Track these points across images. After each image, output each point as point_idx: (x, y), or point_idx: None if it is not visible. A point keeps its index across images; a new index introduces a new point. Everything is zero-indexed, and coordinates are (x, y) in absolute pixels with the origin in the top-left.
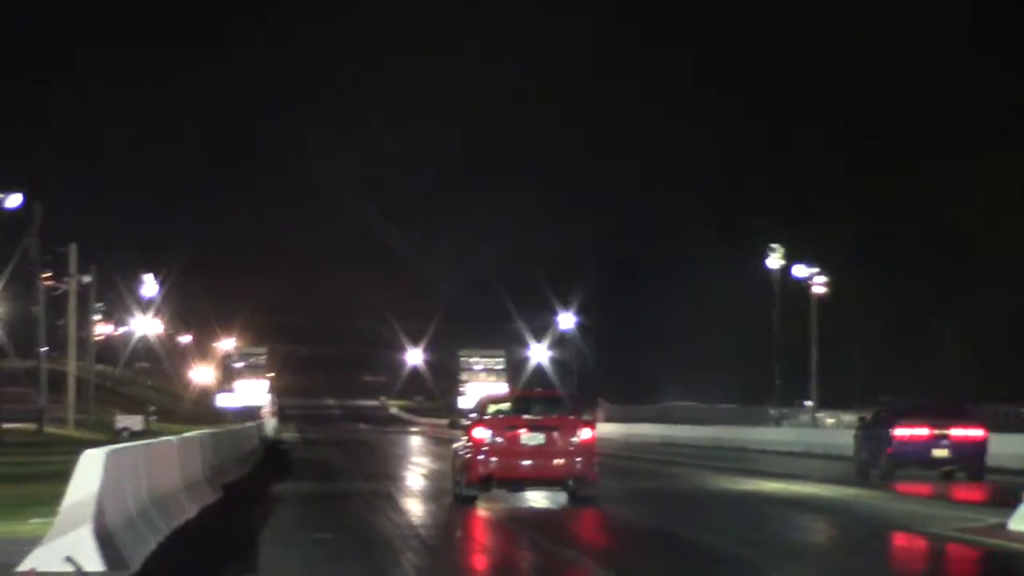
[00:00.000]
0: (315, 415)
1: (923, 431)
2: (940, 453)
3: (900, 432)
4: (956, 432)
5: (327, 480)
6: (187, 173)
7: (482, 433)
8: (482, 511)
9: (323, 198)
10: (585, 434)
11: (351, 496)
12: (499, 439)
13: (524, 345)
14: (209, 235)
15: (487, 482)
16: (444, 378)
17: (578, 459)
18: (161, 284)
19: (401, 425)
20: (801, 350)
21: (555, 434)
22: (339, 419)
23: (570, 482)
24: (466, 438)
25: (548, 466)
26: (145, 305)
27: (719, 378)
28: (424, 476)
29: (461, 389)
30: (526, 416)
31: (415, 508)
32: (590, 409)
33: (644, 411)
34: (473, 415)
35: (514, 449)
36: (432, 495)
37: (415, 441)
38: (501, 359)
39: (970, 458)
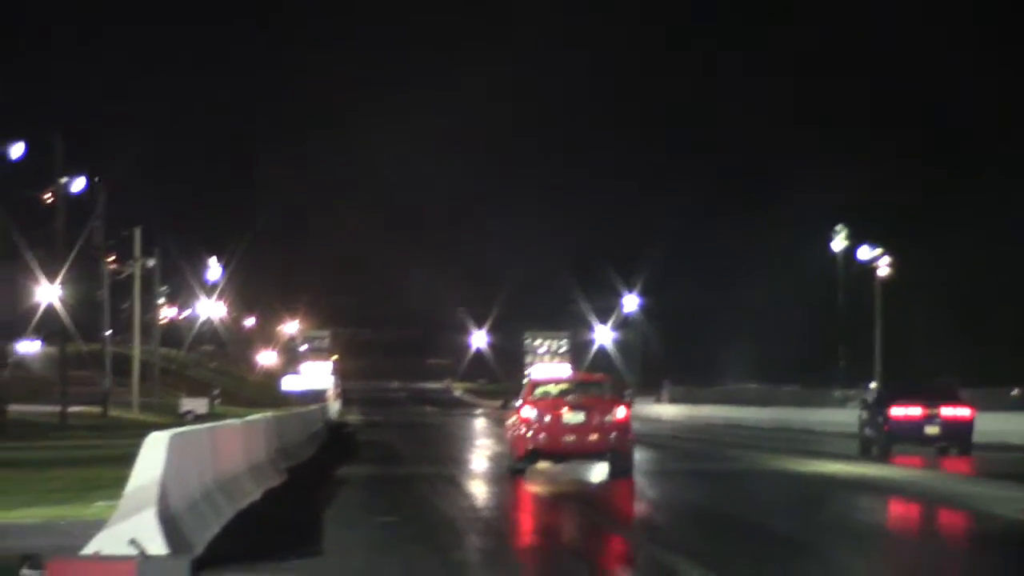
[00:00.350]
0: (379, 398)
1: (916, 411)
2: (932, 430)
3: (896, 411)
4: (946, 411)
5: (391, 463)
6: (248, 158)
7: (529, 412)
8: (544, 492)
9: (387, 184)
10: (620, 413)
11: (415, 479)
12: (545, 418)
13: (588, 327)
14: (272, 219)
15: (534, 456)
16: (509, 360)
17: (614, 435)
18: (224, 267)
19: (466, 408)
20: (864, 332)
21: (594, 413)
22: (403, 402)
23: (608, 455)
24: (516, 417)
25: (588, 441)
26: (209, 288)
27: (782, 360)
28: (488, 458)
29: (526, 371)
30: (569, 397)
31: (479, 491)
32: (655, 391)
33: (708, 393)
34: (522, 396)
35: (558, 426)
36: (496, 477)
37: (479, 423)
38: (565, 341)
39: (958, 435)
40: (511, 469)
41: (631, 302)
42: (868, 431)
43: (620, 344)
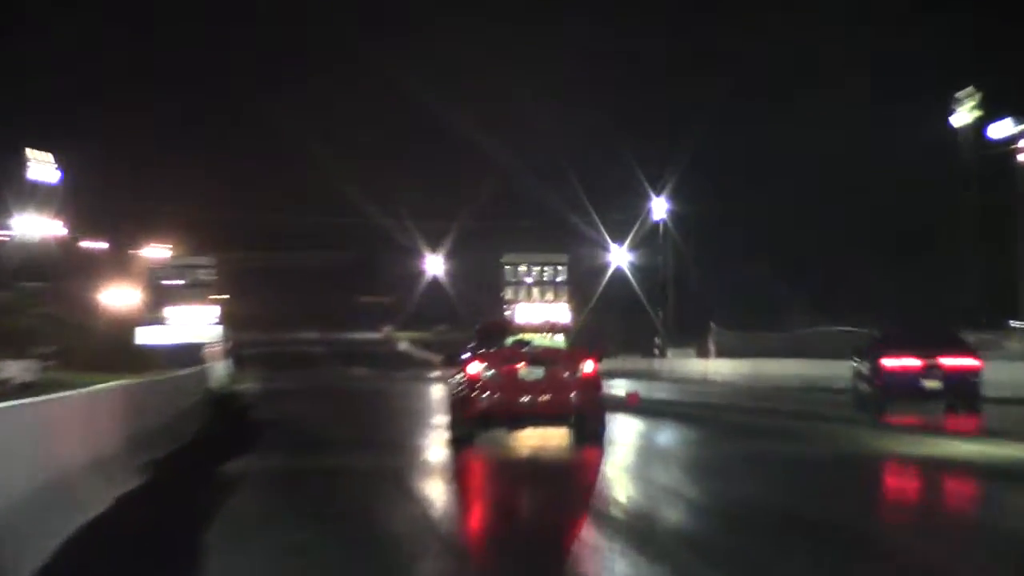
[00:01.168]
0: (289, 354)
1: (913, 361)
2: (931, 384)
3: (888, 363)
4: (947, 361)
5: (307, 452)
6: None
7: (477, 368)
8: (530, 489)
9: (307, 50)
10: (587, 367)
11: (342, 475)
12: (496, 374)
13: (599, 247)
14: (135, 111)
15: (484, 420)
16: (479, 296)
17: (577, 393)
18: (63, 172)
19: (416, 368)
20: (1003, 246)
21: (556, 368)
22: (324, 360)
23: (571, 418)
24: (461, 374)
25: (548, 402)
26: (35, 196)
27: (876, 290)
28: (447, 443)
29: (505, 311)
30: (524, 349)
31: (435, 492)
32: (701, 339)
33: (773, 340)
34: (469, 348)
35: (512, 384)
36: (459, 471)
37: (436, 391)
38: (563, 267)
39: (964, 389)
40: (454, 438)
41: (660, 207)
42: (861, 385)
43: (641, 269)
